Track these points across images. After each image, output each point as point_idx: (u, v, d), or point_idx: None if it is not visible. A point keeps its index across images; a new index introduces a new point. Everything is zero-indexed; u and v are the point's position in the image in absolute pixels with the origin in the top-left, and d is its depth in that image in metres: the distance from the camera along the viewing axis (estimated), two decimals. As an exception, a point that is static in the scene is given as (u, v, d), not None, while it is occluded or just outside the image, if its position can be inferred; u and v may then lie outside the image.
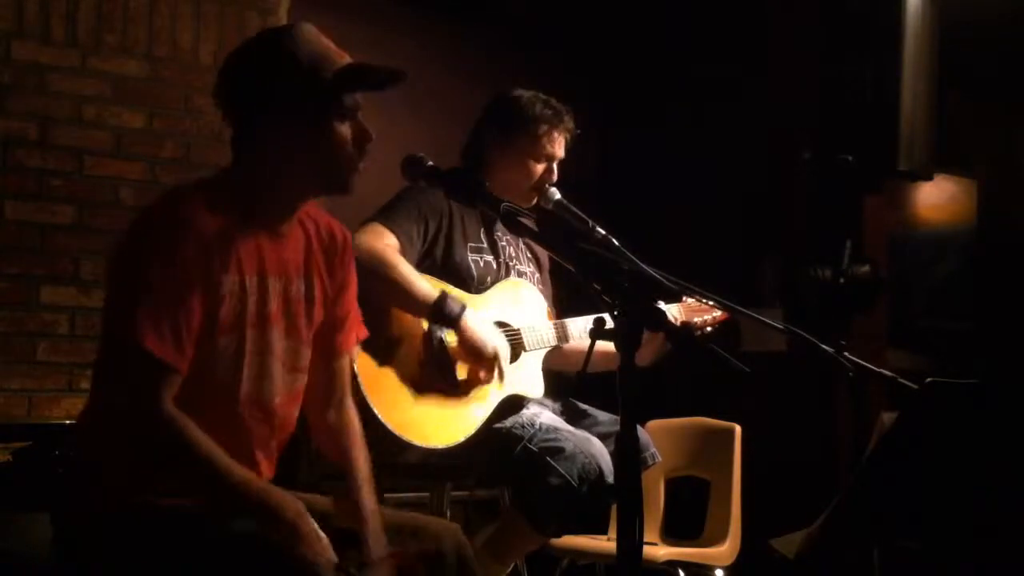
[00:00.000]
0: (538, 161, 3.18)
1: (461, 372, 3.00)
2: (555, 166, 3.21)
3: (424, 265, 3.03)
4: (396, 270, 2.91)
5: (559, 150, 3.21)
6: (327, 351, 2.28)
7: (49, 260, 4.04)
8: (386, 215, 3.01)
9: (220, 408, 2.07)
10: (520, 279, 3.23)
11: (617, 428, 3.09)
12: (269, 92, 2.06)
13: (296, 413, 2.23)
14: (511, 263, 3.24)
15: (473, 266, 3.12)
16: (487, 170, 3.17)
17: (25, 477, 2.98)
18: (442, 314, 2.91)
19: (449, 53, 4.94)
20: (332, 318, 2.27)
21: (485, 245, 3.18)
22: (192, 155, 4.29)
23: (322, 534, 1.98)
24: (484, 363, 2.97)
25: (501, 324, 3.11)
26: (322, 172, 2.10)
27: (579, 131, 3.24)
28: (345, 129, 2.10)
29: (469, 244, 3.13)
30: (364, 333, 2.36)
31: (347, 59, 2.12)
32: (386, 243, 2.94)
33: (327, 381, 2.29)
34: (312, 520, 1.99)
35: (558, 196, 3.19)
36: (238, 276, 2.05)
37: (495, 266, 3.18)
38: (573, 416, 3.21)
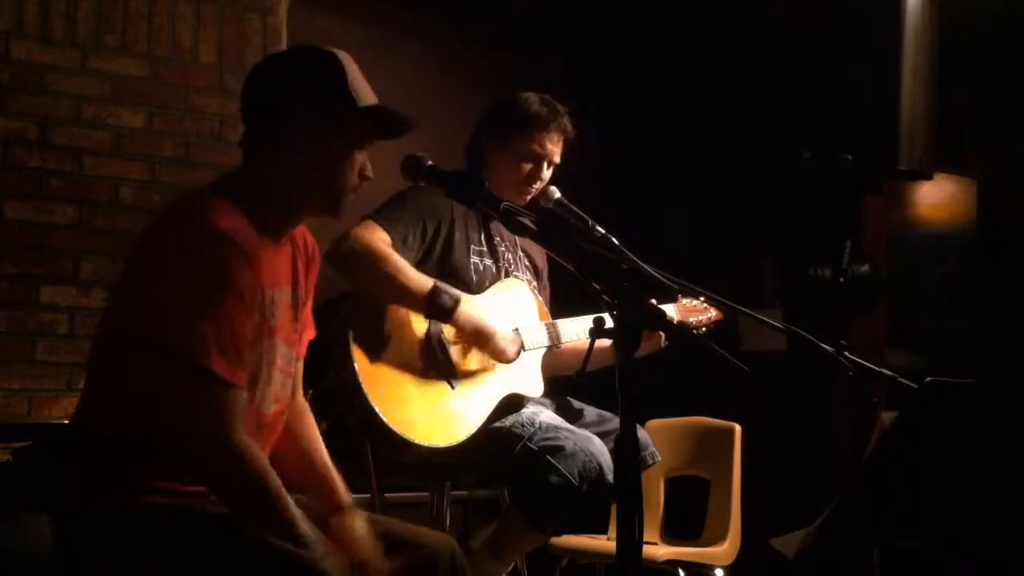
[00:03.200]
0: (525, 160, 3.17)
1: (462, 370, 3.01)
2: (546, 166, 3.20)
3: (422, 267, 3.03)
4: (388, 263, 2.90)
5: (553, 149, 3.19)
6: None
7: (49, 260, 4.04)
8: (383, 214, 3.01)
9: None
10: (515, 280, 3.23)
11: (604, 424, 3.14)
12: (314, 100, 2.09)
13: (284, 419, 2.24)
14: (509, 268, 3.24)
15: (472, 269, 3.12)
16: (486, 169, 3.17)
17: (25, 477, 2.97)
18: (436, 305, 2.90)
19: (449, 53, 4.94)
20: (300, 324, 2.28)
21: (485, 249, 3.18)
22: (192, 155, 4.29)
23: None
24: (484, 345, 2.97)
25: (499, 324, 3.11)
26: (326, 191, 2.13)
27: (575, 133, 3.23)
28: (359, 158, 2.14)
29: (470, 247, 3.13)
30: (313, 335, 2.36)
31: (374, 96, 2.16)
32: (377, 237, 2.94)
33: None
34: None
35: (558, 195, 3.19)
36: (261, 288, 2.06)
37: (494, 270, 3.18)
38: (568, 414, 3.21)
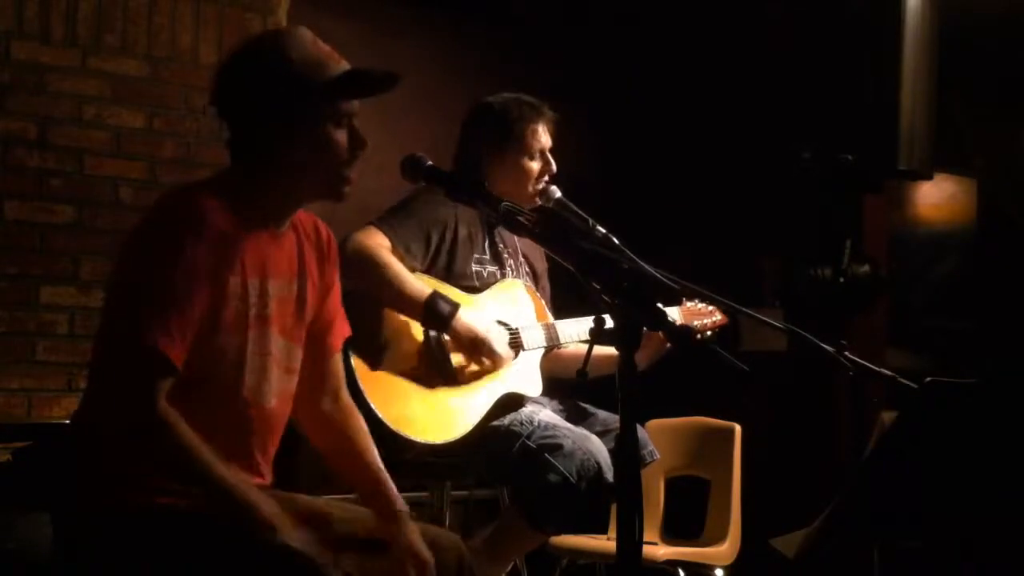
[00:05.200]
0: (532, 158, 3.18)
1: (461, 368, 3.01)
2: (550, 157, 3.21)
3: (429, 274, 3.03)
4: (387, 269, 2.91)
5: (547, 141, 3.21)
6: (320, 352, 2.28)
7: (49, 260, 4.04)
8: (387, 221, 3.01)
9: (222, 409, 2.08)
10: (515, 280, 3.23)
11: (613, 425, 3.14)
12: (262, 97, 2.07)
13: (288, 415, 2.24)
14: (512, 275, 3.24)
15: (476, 276, 3.12)
16: (493, 183, 3.15)
17: (25, 477, 2.98)
18: (434, 313, 2.91)
19: (449, 53, 4.94)
20: (322, 318, 2.28)
21: (488, 256, 3.18)
22: (192, 155, 4.29)
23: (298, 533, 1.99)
24: (481, 354, 2.97)
25: (499, 323, 3.11)
26: (315, 178, 2.11)
27: (559, 116, 3.24)
28: (340, 135, 2.10)
29: (474, 254, 3.14)
30: (348, 331, 2.36)
31: (344, 64, 2.11)
32: (378, 243, 2.94)
33: (320, 378, 2.30)
34: (288, 520, 1.98)
35: (558, 194, 3.19)
36: (241, 277, 2.06)
37: (498, 276, 3.19)
38: (574, 415, 3.21)
